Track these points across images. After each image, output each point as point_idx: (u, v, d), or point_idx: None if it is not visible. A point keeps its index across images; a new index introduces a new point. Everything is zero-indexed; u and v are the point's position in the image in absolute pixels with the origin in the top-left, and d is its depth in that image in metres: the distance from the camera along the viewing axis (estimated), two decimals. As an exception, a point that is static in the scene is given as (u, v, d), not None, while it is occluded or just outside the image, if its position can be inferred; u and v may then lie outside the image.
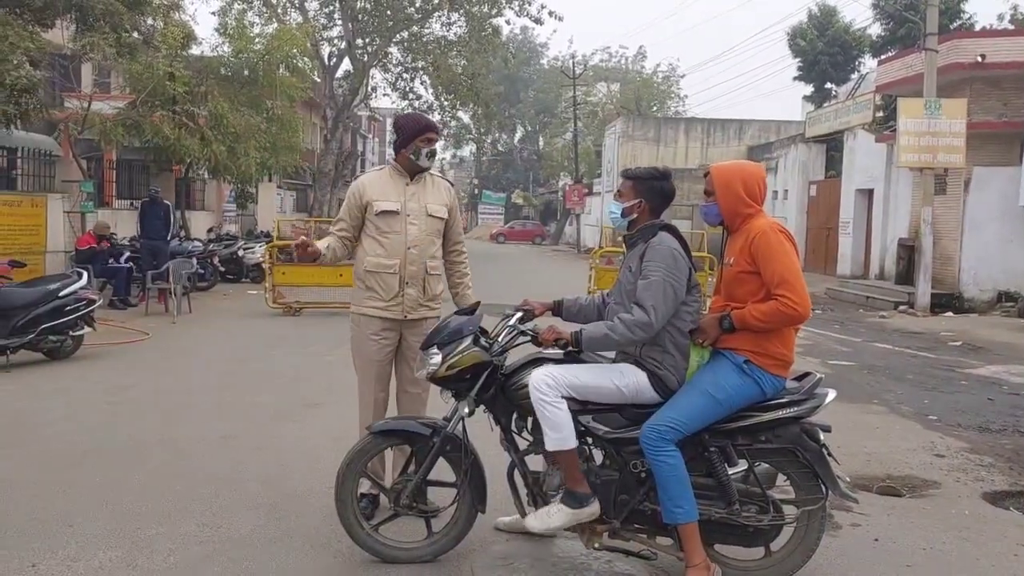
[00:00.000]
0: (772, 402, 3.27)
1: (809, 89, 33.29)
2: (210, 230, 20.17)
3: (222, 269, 16.34)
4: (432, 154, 4.02)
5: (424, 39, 28.42)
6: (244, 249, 17.46)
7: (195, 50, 17.56)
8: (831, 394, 3.37)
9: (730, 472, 3.28)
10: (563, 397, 3.20)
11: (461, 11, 27.16)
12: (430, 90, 29.52)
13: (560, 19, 27.54)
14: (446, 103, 29.56)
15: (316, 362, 8.53)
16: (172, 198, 16.65)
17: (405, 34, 27.98)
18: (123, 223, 15.73)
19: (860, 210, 20.66)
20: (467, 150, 62.89)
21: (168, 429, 5.69)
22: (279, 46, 17.59)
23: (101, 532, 3.81)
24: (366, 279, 4.02)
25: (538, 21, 27.46)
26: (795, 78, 33.87)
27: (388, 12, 26.45)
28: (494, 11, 26.65)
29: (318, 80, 26.79)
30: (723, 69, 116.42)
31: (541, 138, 59.30)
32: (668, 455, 3.11)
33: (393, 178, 4.06)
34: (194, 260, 13.69)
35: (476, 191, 69.11)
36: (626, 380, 3.28)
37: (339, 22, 27.58)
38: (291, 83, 18.25)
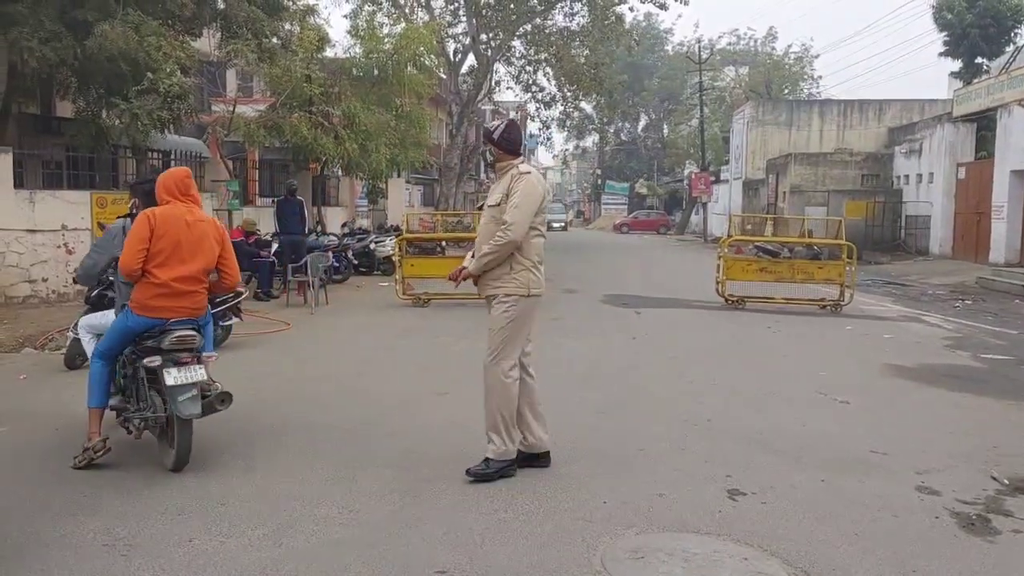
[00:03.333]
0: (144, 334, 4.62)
1: (956, 65, 30.99)
2: (344, 225, 21.02)
3: (355, 262, 16.99)
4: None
5: (547, 31, 28.47)
6: (375, 243, 18.10)
7: (329, 52, 18.32)
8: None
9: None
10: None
11: (584, 1, 27.00)
12: (552, 82, 29.57)
13: (686, 3, 26.85)
14: (569, 94, 29.52)
15: (444, 351, 8.73)
16: (309, 195, 17.48)
17: (528, 27, 28.12)
18: (265, 220, 16.64)
19: (1016, 193, 19.13)
20: (590, 140, 62.58)
21: (309, 414, 5.98)
22: (407, 45, 18.09)
23: (250, 512, 4.05)
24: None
25: (662, 7, 26.97)
26: (940, 54, 31.59)
27: (511, 6, 26.65)
28: (617, -1, 26.36)
29: (444, 76, 27.36)
30: (861, 47, 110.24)
31: (666, 126, 58.23)
32: (94, 364, 4.81)
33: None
34: (330, 254, 14.30)
35: (599, 181, 68.68)
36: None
37: (464, 18, 28.04)
38: (419, 80, 18.73)
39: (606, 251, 30.39)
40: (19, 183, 12.23)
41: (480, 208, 4.93)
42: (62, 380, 7.13)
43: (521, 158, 4.70)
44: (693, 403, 6.48)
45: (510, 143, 4.63)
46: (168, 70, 12.37)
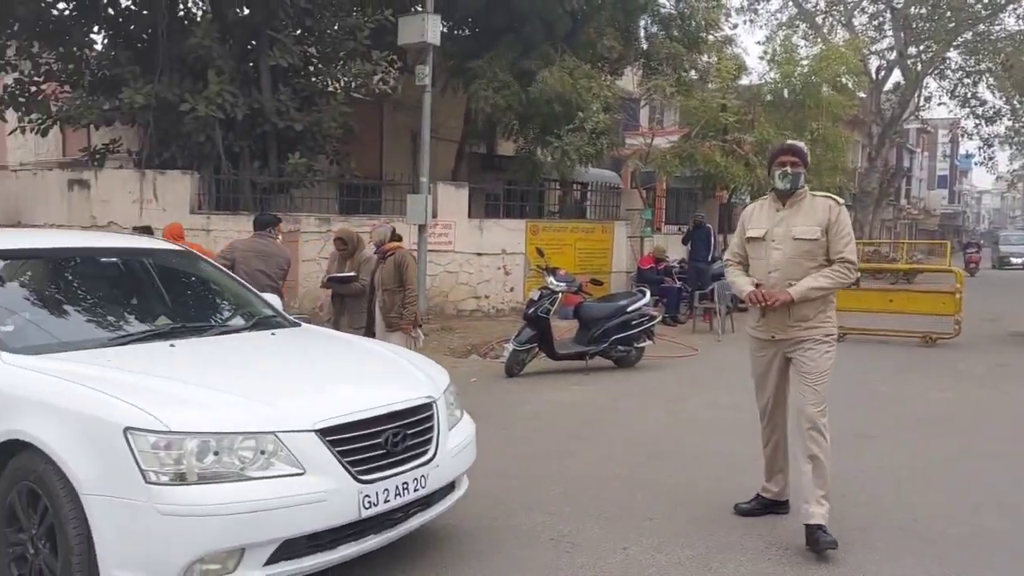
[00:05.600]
0: None
1: None
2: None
3: (762, 291, 16.58)
4: (785, 176, 4.08)
5: (992, 36, 25.02)
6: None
7: (743, 79, 18.27)
8: None
9: None
10: None
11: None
12: (998, 94, 25.87)
13: None
14: (1020, 106, 25.55)
15: (867, 391, 8.08)
16: (715, 222, 17.54)
17: (968, 35, 25.01)
18: (671, 247, 17.11)
19: None
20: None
21: (721, 441, 5.97)
22: (826, 66, 17.27)
23: (678, 530, 4.16)
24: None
25: None
26: None
27: (948, 14, 23.96)
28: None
29: (863, 96, 25.56)
30: None
31: None
32: None
33: (768, 205, 4.24)
34: (736, 282, 14.17)
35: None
36: None
37: (889, 33, 25.96)
38: (837, 102, 17.75)
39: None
40: (468, 213, 14.26)
41: (754, 238, 4.17)
42: (502, 386, 8.08)
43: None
44: None
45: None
46: (595, 108, 13.43)
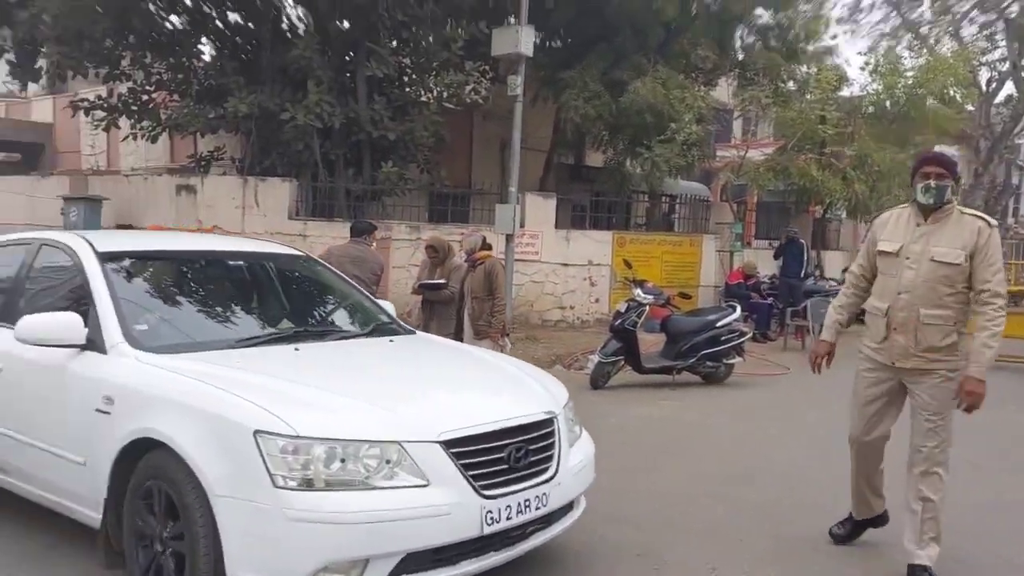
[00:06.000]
0: None
1: None
2: (845, 270, 19.98)
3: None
4: (928, 189, 3.66)
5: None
6: (880, 291, 16.79)
7: (843, 91, 17.70)
8: None
9: None
10: None
11: None
12: None
13: None
14: None
15: (978, 418, 7.64)
16: (808, 238, 17.01)
17: (1089, 45, 23.55)
18: (761, 261, 16.68)
19: None
20: None
21: (812, 462, 5.77)
22: (933, 77, 16.54)
23: (769, 553, 4.04)
24: (866, 317, 3.98)
25: None
26: None
27: (1068, 23, 22.64)
28: None
29: (971, 109, 24.36)
30: None
31: None
32: None
33: (908, 217, 3.81)
34: (830, 299, 13.69)
35: None
36: None
37: (1002, 43, 24.66)
38: (943, 115, 16.97)
39: None
40: (555, 223, 14.24)
41: (886, 253, 3.79)
42: (587, 398, 8.01)
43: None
44: None
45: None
46: (687, 119, 13.24)
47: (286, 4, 13.85)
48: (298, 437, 2.86)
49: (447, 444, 3.05)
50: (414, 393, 3.50)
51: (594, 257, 13.63)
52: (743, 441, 6.49)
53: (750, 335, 9.88)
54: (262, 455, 2.84)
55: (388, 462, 2.96)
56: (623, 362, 8.57)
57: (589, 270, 13.60)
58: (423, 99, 13.75)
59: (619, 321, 8.51)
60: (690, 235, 15.68)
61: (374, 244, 7.66)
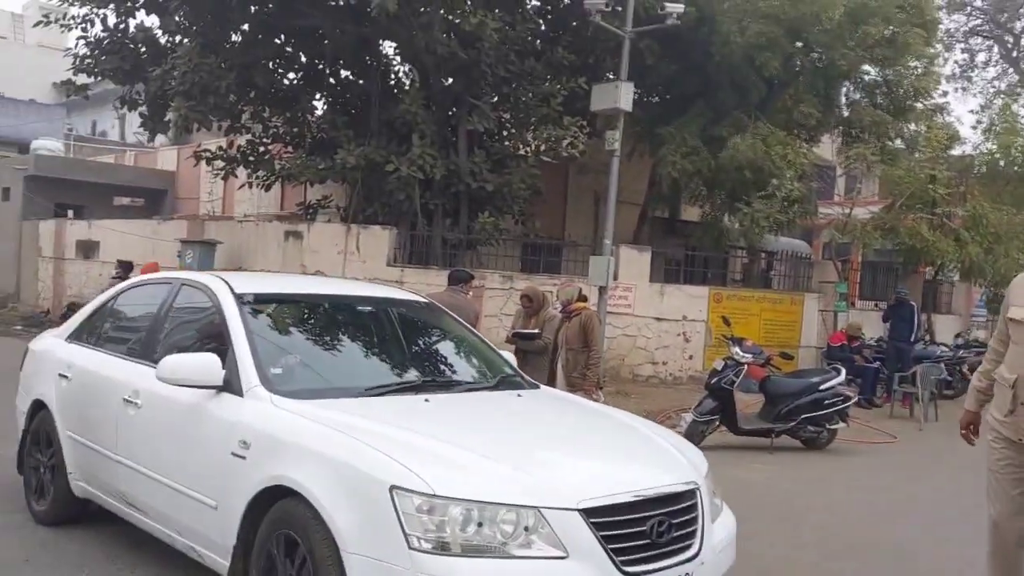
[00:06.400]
0: None
1: None
2: (958, 335, 18.96)
3: (970, 377, 15.10)
4: None
5: None
6: (994, 358, 15.82)
7: (955, 149, 17.06)
8: None
9: None
10: None
11: None
12: None
13: None
14: None
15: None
16: (918, 300, 16.26)
17: None
18: (867, 323, 16.01)
19: None
20: None
21: (922, 539, 5.44)
22: (1053, 136, 15.76)
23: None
24: (995, 387, 3.62)
25: None
26: None
27: None
28: None
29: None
30: None
31: None
32: None
33: None
34: (942, 365, 13.02)
35: None
36: None
37: None
38: (1066, 175, 16.09)
39: None
40: (649, 277, 14.12)
41: (1016, 321, 3.45)
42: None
43: None
44: None
45: None
46: (788, 176, 13.00)
47: (394, 61, 14.48)
48: (435, 496, 2.70)
49: (587, 512, 2.81)
50: (551, 454, 3.29)
51: (689, 312, 13.42)
52: (847, 512, 6.17)
53: (855, 400, 9.45)
54: (398, 513, 2.70)
55: (526, 529, 2.75)
56: (718, 422, 8.32)
57: (683, 325, 13.38)
58: (521, 152, 14.01)
59: (716, 379, 8.30)
60: (791, 293, 15.24)
61: (470, 293, 7.77)
